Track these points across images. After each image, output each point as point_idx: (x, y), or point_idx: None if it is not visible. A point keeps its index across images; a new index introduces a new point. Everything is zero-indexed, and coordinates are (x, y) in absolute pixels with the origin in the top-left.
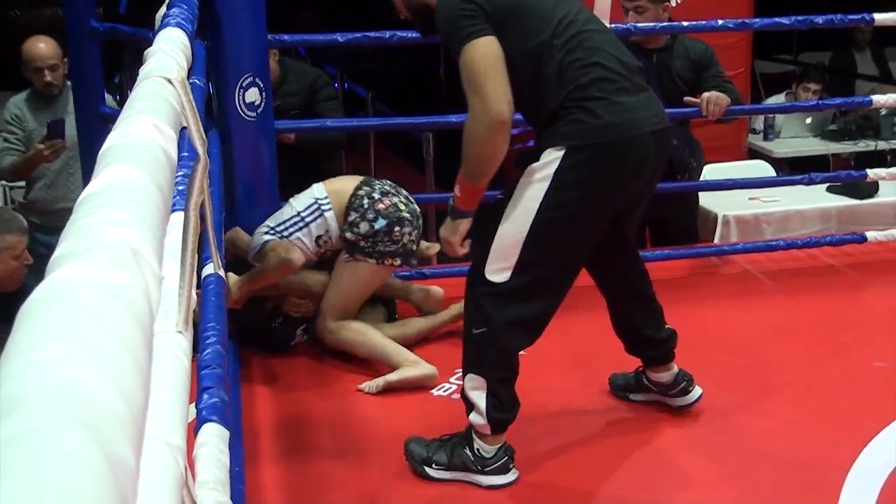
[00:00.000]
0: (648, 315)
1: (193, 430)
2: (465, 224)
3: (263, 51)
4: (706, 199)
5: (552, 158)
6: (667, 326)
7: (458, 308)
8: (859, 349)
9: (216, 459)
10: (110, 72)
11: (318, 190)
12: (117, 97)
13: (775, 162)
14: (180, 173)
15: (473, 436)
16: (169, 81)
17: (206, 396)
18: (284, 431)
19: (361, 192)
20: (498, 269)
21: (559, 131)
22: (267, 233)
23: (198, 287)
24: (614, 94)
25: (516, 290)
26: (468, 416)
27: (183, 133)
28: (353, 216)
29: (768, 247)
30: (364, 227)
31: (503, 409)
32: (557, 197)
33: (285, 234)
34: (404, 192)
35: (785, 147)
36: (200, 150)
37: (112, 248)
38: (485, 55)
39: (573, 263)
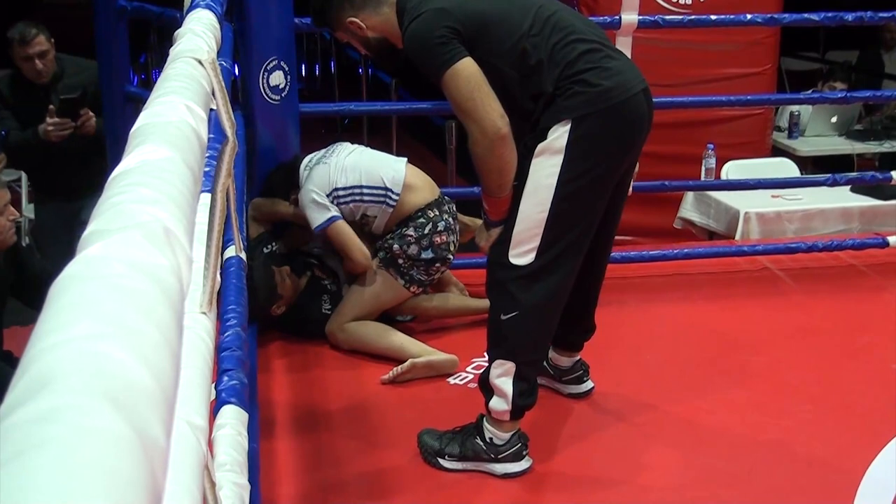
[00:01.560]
0: (592, 296)
1: (212, 411)
2: (498, 230)
3: (290, 34)
4: (729, 196)
5: (560, 133)
6: (593, 317)
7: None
8: (878, 351)
9: (235, 441)
10: (136, 52)
11: (391, 179)
12: (143, 77)
13: (799, 160)
14: (207, 154)
15: (485, 424)
16: (199, 62)
17: (225, 378)
18: (300, 417)
19: (431, 215)
20: (522, 253)
21: (560, 106)
22: (317, 196)
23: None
24: (602, 62)
25: (542, 270)
26: (487, 403)
27: (211, 114)
28: (408, 231)
29: (789, 248)
30: (413, 250)
31: (528, 393)
32: (573, 169)
33: (339, 201)
34: (459, 223)
35: (809, 145)
36: (229, 131)
37: (145, 227)
38: (467, 78)
39: (590, 230)
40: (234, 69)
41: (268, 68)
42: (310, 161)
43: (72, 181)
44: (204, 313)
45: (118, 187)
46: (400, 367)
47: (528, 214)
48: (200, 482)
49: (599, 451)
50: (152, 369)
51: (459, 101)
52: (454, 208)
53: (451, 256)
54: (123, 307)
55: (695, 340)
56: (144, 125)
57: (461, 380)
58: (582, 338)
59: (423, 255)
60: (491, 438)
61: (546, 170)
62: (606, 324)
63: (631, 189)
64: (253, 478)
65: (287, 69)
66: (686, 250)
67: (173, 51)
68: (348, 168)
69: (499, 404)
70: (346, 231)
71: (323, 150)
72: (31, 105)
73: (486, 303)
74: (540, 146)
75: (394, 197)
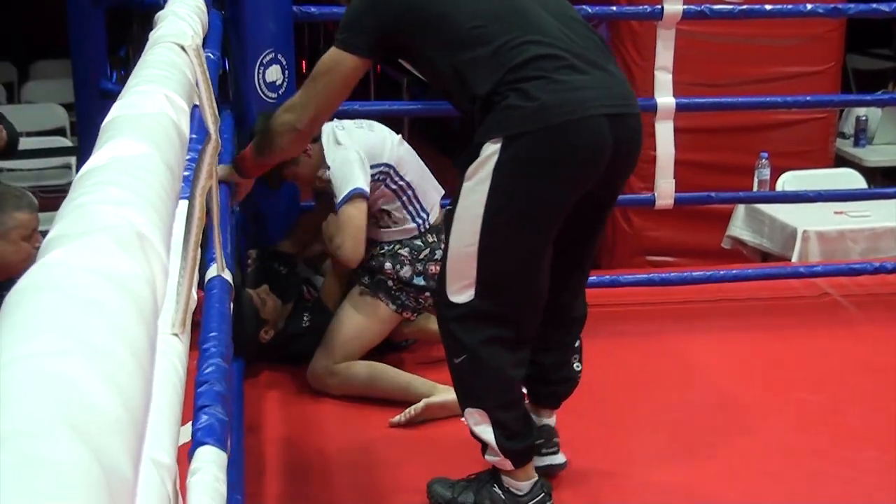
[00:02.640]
0: (559, 338)
1: (188, 453)
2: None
3: (288, 24)
4: (784, 212)
5: (489, 154)
6: (573, 367)
7: None
8: None
9: (211, 488)
10: (114, 44)
11: (431, 203)
12: (122, 73)
13: (866, 171)
14: (188, 156)
15: (501, 475)
16: (182, 49)
17: (203, 416)
18: (295, 465)
19: (430, 240)
20: (459, 289)
21: (493, 121)
22: (362, 156)
23: (199, 287)
24: (556, 73)
25: (483, 309)
26: (484, 456)
27: (194, 111)
28: (402, 251)
29: (853, 270)
30: (406, 272)
31: (515, 437)
32: (500, 198)
33: (381, 182)
34: None
35: (878, 155)
36: (212, 129)
37: (115, 231)
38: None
39: (536, 267)
40: (222, 62)
41: (263, 62)
42: (334, 124)
43: None
44: (176, 335)
45: (84, 187)
46: (413, 408)
47: (457, 247)
48: None
49: (636, 498)
50: (120, 393)
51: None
52: None
53: None
54: (88, 321)
55: (744, 376)
56: (118, 117)
57: None
58: (553, 390)
59: (415, 281)
60: (510, 488)
61: (473, 196)
62: (644, 356)
63: (673, 201)
64: None
65: (285, 63)
66: (735, 271)
67: (153, 35)
68: (405, 159)
69: (493, 456)
70: (362, 214)
71: (349, 120)
72: None
73: None
74: (471, 168)
75: (429, 222)
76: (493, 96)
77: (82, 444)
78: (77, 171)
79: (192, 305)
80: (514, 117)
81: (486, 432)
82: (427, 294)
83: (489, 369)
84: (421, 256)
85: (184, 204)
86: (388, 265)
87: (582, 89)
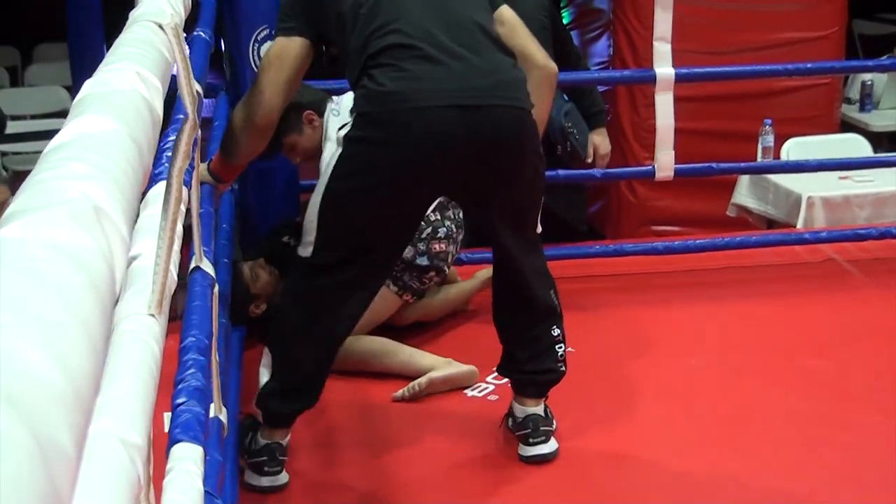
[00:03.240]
0: (520, 329)
1: (165, 450)
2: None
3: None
4: (790, 179)
5: (348, 127)
6: (550, 359)
7: (485, 273)
8: None
9: (185, 485)
10: (113, 27)
11: None
12: None
13: (872, 136)
14: (172, 137)
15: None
16: (160, 27)
17: (180, 413)
18: (300, 443)
19: (432, 218)
20: (306, 243)
21: (354, 103)
22: None
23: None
24: (406, 62)
25: (314, 269)
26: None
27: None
28: None
29: (858, 235)
30: (408, 253)
31: (278, 398)
32: (339, 170)
33: None
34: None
35: (884, 119)
36: (189, 108)
37: (71, 205)
38: (269, 55)
39: (369, 247)
40: (215, 41)
41: (258, 39)
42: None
43: None
44: (153, 315)
45: (48, 162)
46: (416, 382)
47: (311, 204)
48: None
49: (642, 466)
50: (65, 366)
51: (258, 69)
52: (460, 215)
53: (446, 268)
54: (37, 294)
55: (749, 343)
56: (88, 95)
57: (480, 391)
58: (531, 379)
59: (418, 261)
60: (251, 438)
61: (330, 160)
62: (649, 324)
63: (673, 173)
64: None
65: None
66: (739, 239)
67: (133, 14)
68: None
69: (257, 400)
70: None
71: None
72: None
73: (486, 273)
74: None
75: None
76: (357, 81)
77: (18, 416)
78: None
79: (172, 286)
80: (361, 98)
81: (264, 376)
82: (431, 274)
83: (296, 332)
84: (423, 235)
85: (162, 185)
86: None
87: (425, 79)
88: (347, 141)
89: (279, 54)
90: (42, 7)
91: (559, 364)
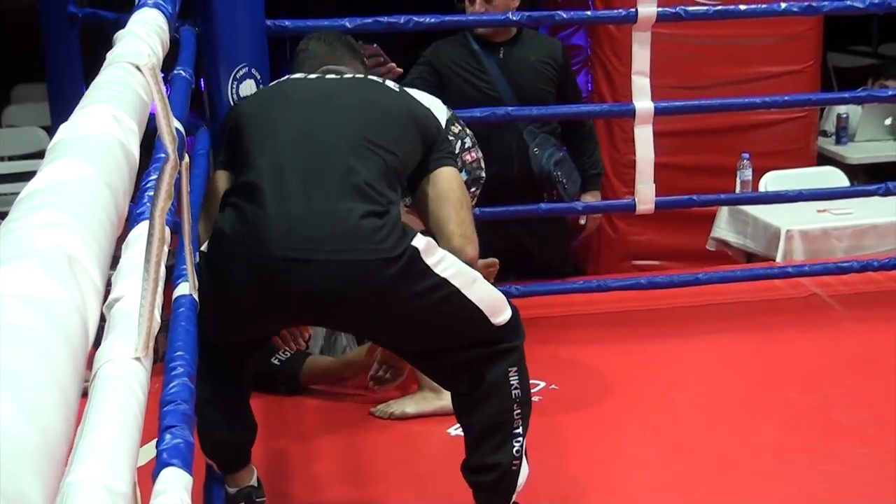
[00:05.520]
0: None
1: (152, 474)
2: None
3: (261, 37)
4: (768, 211)
5: None
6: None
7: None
8: None
9: None
10: (92, 66)
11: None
12: None
13: (849, 169)
14: (153, 177)
15: None
16: (137, 68)
17: (168, 436)
18: (281, 467)
19: (456, 130)
20: None
21: None
22: None
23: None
24: (247, 202)
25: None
26: None
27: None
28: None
29: (839, 268)
30: None
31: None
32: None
33: None
34: None
35: (860, 152)
36: (170, 148)
37: (43, 255)
38: (210, 189)
39: (213, 348)
40: (194, 79)
41: (237, 77)
42: None
43: None
44: (138, 359)
45: (21, 210)
46: (390, 407)
47: None
48: None
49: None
50: (35, 419)
51: None
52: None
53: (483, 176)
54: (9, 348)
55: (732, 378)
56: (62, 139)
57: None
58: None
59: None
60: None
61: None
62: (632, 359)
63: (654, 205)
64: None
65: (259, 78)
66: (720, 273)
67: (110, 55)
68: None
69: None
70: None
71: None
72: None
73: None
74: None
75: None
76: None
77: None
78: None
79: (156, 328)
80: (210, 235)
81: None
82: (472, 190)
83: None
84: (456, 150)
85: (145, 224)
86: None
87: (253, 225)
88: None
89: (212, 188)
90: (20, 47)
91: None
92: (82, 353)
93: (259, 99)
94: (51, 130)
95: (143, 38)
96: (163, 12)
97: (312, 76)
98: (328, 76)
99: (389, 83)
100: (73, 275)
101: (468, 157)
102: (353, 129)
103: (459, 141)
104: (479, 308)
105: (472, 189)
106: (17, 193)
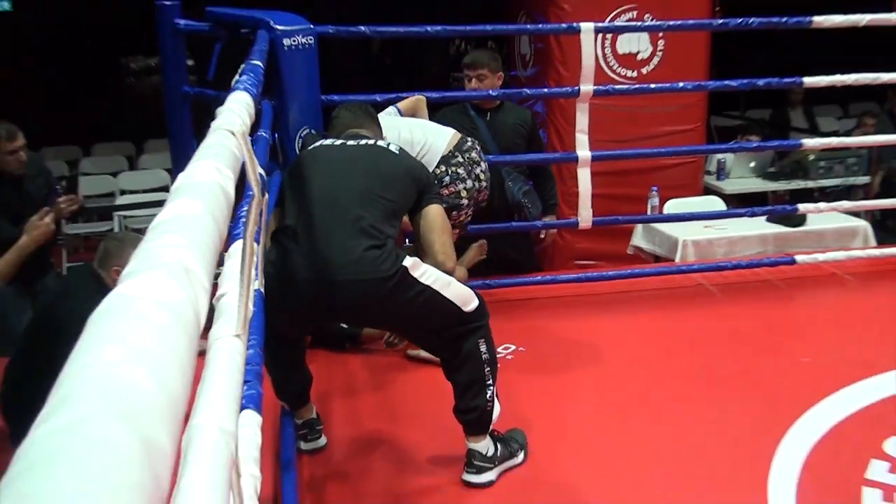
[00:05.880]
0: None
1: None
2: None
3: (317, 107)
4: (670, 227)
5: None
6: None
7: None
8: (789, 347)
9: (252, 441)
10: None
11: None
12: None
13: (725, 197)
14: (245, 209)
15: None
16: (232, 133)
17: (245, 388)
18: (333, 403)
19: (438, 172)
20: None
21: None
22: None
23: None
24: (286, 240)
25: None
26: None
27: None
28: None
29: (719, 266)
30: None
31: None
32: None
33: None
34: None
35: (733, 185)
36: (256, 189)
37: (168, 267)
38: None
39: (274, 332)
40: (273, 137)
41: (301, 135)
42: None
43: (30, 269)
44: (237, 336)
45: (152, 234)
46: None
47: None
48: (229, 475)
49: (580, 440)
50: (162, 385)
51: None
52: (472, 156)
53: (461, 202)
54: (142, 335)
55: (644, 342)
56: (181, 185)
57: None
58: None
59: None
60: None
61: None
62: (574, 330)
63: (591, 223)
64: (289, 481)
65: (315, 134)
66: (636, 270)
67: (213, 125)
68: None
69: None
70: None
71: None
72: (7, 195)
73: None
74: None
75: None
76: None
77: (127, 426)
78: None
79: (250, 314)
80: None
81: None
82: (453, 213)
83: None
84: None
85: (239, 243)
86: None
87: (292, 256)
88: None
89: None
90: (149, 113)
91: (488, 404)
92: (196, 336)
93: (302, 160)
94: (171, 173)
95: (236, 112)
96: (250, 93)
97: (338, 142)
98: (349, 142)
99: (393, 147)
100: (188, 280)
101: (445, 192)
102: (362, 186)
103: (438, 181)
104: (453, 302)
105: (454, 213)
106: (149, 216)
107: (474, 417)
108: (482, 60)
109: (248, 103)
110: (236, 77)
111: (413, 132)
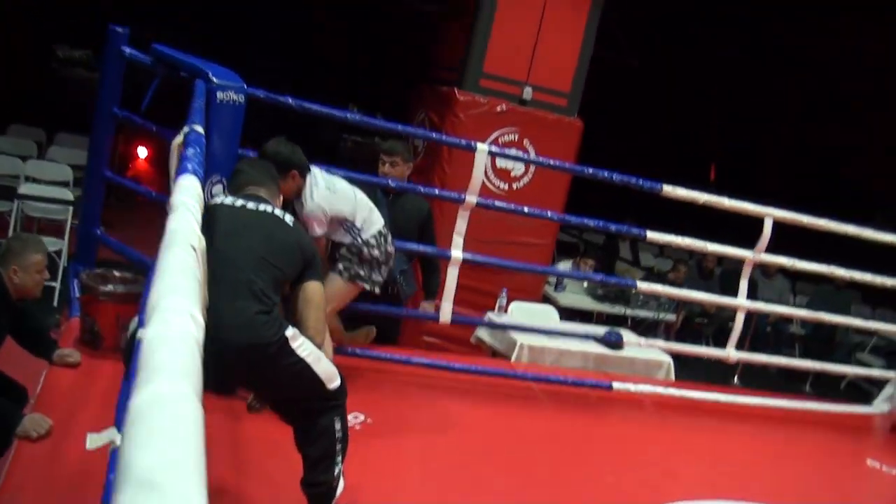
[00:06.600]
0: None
1: None
2: None
3: (234, 160)
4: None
5: None
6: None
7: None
8: (595, 460)
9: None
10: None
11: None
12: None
13: (560, 308)
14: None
15: None
16: (194, 249)
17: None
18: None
19: (343, 251)
20: None
21: None
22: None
23: None
24: (215, 299)
25: None
26: None
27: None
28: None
29: (548, 380)
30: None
31: None
32: None
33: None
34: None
35: (568, 299)
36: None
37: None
38: None
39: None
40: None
41: (213, 181)
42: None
43: None
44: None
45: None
46: None
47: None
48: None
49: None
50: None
51: None
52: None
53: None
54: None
55: (474, 430)
56: (154, 337)
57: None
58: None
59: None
60: None
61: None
62: (417, 412)
63: (449, 320)
64: None
65: (224, 185)
66: (479, 368)
67: (169, 227)
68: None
69: None
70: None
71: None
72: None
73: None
74: None
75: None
76: None
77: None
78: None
79: None
80: None
81: None
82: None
83: None
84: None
85: None
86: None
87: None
88: None
89: None
90: (66, 104)
91: (335, 480)
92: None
93: (206, 216)
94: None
95: (191, 211)
96: (198, 177)
97: (238, 203)
98: (249, 204)
99: (288, 218)
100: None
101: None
102: (257, 253)
103: (366, 245)
104: (320, 378)
105: (363, 251)
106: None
107: (321, 492)
108: (398, 150)
109: (199, 193)
110: (178, 138)
111: (364, 200)
